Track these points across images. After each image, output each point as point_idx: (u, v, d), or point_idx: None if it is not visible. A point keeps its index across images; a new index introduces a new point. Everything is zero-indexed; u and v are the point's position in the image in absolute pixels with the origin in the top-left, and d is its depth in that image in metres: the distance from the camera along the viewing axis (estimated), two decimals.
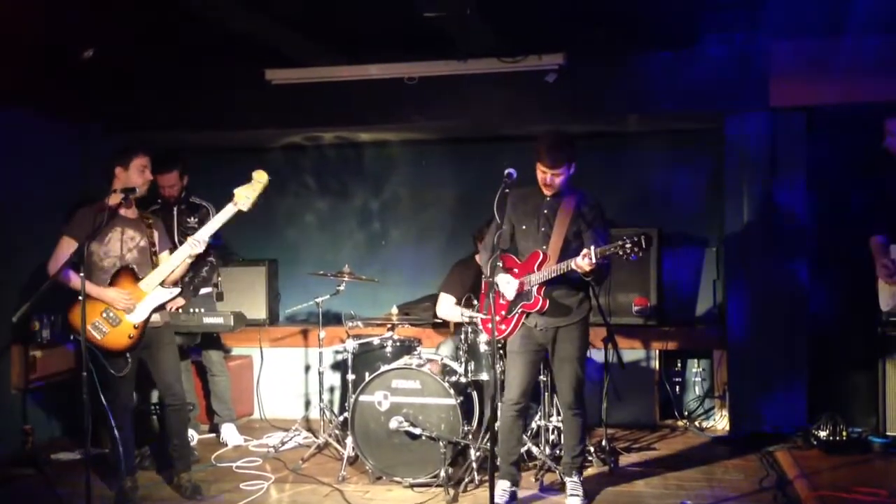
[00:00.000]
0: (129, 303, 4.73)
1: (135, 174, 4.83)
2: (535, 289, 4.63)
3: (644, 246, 4.31)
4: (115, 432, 4.72)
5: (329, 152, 7.43)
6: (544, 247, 4.65)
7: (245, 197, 4.75)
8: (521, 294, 4.68)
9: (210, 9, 5.11)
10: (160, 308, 4.90)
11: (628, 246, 4.31)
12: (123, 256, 4.84)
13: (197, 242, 4.80)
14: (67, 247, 4.73)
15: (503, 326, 4.78)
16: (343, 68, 6.34)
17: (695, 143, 6.71)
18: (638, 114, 6.30)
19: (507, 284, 4.69)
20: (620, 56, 6.10)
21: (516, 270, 4.73)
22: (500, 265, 4.67)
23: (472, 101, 6.38)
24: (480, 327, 5.32)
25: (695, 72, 6.01)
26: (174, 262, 4.87)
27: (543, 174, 4.58)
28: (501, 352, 5.00)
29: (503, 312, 4.79)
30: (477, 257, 5.85)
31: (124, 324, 4.75)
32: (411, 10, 5.08)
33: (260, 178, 4.79)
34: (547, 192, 4.66)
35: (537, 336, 4.71)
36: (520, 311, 4.69)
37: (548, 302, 4.64)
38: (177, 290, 4.94)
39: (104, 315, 4.73)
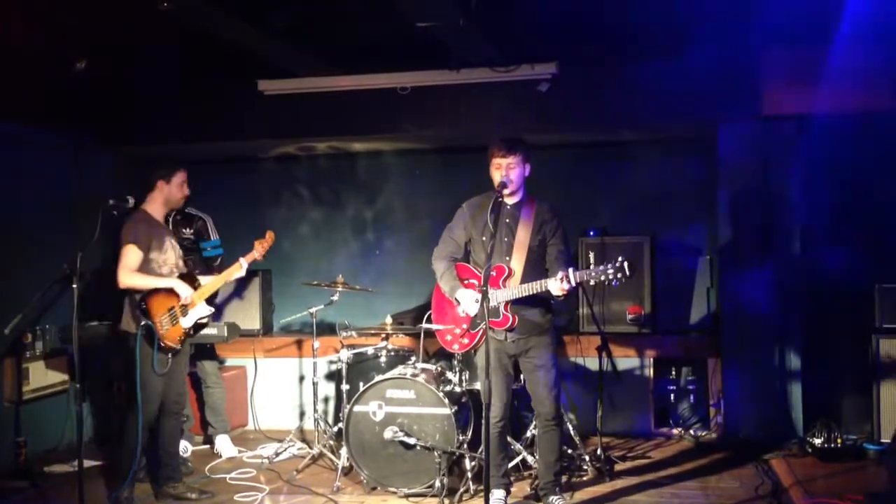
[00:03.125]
0: (189, 293, 4.98)
1: (175, 188, 5.13)
2: (501, 306, 4.54)
3: (629, 274, 4.21)
4: (139, 435, 4.79)
5: (322, 162, 7.43)
6: (507, 258, 4.56)
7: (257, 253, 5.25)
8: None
9: (203, 20, 5.11)
10: (199, 321, 5.10)
11: (610, 272, 4.22)
12: (177, 263, 5.12)
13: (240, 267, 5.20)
14: (135, 255, 4.87)
15: (465, 340, 4.73)
16: (336, 78, 6.34)
17: (688, 152, 6.71)
18: (631, 123, 6.32)
19: (474, 303, 4.58)
20: (613, 65, 6.11)
21: (475, 282, 4.62)
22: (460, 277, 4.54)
23: (465, 111, 6.39)
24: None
25: (687, 80, 6.02)
26: (216, 284, 5.19)
27: (499, 167, 4.51)
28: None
29: (464, 325, 4.73)
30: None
31: (178, 326, 4.99)
32: (404, 20, 5.09)
33: (269, 238, 5.31)
34: (506, 193, 4.50)
35: (509, 348, 4.65)
36: (483, 326, 4.50)
37: (517, 318, 4.55)
38: (212, 310, 5.22)
39: (170, 312, 4.94)
